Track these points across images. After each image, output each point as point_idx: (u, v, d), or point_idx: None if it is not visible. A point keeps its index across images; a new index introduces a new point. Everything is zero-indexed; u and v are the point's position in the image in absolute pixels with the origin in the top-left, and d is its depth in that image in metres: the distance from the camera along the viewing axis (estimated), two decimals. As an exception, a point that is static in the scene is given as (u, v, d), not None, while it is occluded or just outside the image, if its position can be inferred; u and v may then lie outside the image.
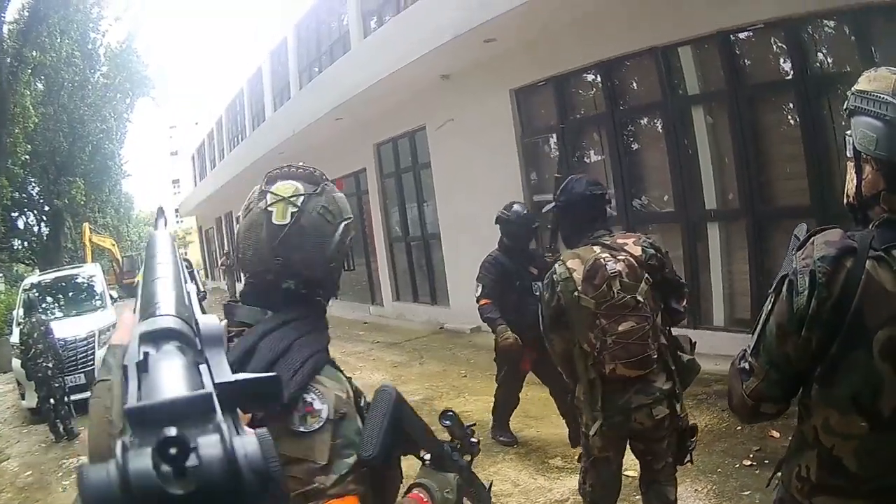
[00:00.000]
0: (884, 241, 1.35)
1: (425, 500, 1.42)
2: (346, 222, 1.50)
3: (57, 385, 7.71)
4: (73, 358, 8.92)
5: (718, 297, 7.01)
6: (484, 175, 9.65)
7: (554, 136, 9.12)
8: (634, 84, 7.98)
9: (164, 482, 0.36)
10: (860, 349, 1.36)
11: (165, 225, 0.95)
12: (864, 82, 1.39)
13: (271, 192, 1.46)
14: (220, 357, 0.52)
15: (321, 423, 1.25)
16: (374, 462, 1.26)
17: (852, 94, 1.40)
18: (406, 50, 9.31)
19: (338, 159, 14.42)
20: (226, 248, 24.02)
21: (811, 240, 1.44)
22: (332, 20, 14.62)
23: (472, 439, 1.68)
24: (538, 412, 5.87)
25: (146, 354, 0.49)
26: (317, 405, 1.26)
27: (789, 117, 6.52)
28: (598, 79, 8.20)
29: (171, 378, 0.46)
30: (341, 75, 11.80)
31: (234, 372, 0.51)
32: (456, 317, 10.86)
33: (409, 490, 1.46)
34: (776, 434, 4.75)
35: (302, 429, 1.23)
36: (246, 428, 0.45)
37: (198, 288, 0.84)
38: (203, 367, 0.50)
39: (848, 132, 1.43)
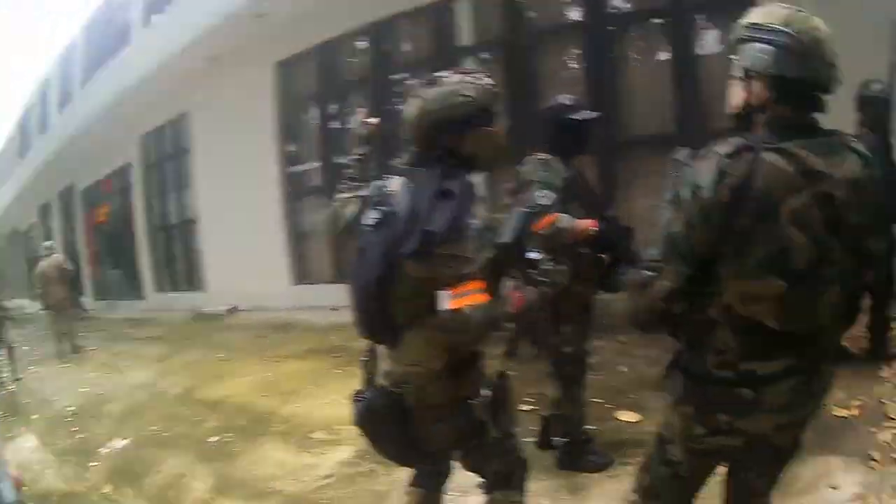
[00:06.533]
0: (772, 138, 1.55)
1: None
2: None
3: None
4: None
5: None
6: (241, 154, 9.10)
7: (314, 105, 8.82)
8: (408, 44, 7.74)
9: None
10: (769, 220, 1.52)
11: None
12: (756, 16, 1.57)
13: None
14: None
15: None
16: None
17: (744, 26, 1.59)
18: (175, 35, 8.70)
19: (102, 157, 13.55)
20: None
21: (708, 149, 1.60)
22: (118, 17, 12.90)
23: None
24: (290, 386, 5.54)
25: None
26: None
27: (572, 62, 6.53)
28: (367, 43, 7.91)
29: None
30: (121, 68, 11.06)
31: None
32: (212, 299, 10.27)
33: None
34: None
35: None
36: None
37: None
38: None
39: (734, 56, 1.61)
